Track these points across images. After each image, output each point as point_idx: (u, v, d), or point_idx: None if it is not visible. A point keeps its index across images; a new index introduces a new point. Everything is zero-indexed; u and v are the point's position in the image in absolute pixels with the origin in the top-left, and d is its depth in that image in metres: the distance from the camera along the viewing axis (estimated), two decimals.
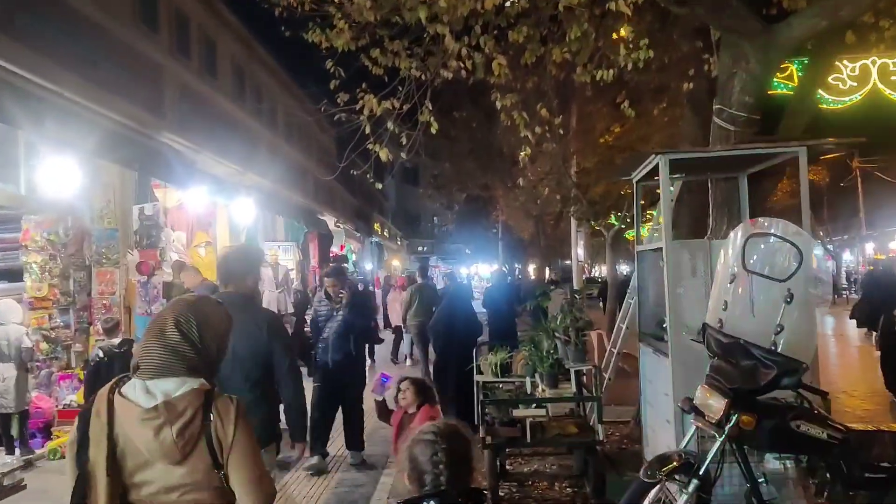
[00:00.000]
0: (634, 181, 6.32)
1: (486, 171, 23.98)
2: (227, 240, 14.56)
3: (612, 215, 14.38)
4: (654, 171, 5.77)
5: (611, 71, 8.24)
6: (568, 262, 34.40)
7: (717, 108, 6.13)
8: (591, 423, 6.43)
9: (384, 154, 7.88)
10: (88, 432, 2.23)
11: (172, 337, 2.30)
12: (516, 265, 43.37)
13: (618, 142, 13.66)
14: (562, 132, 11.46)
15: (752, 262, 4.05)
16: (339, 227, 24.15)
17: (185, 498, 2.26)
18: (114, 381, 2.32)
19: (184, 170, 10.60)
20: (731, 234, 4.26)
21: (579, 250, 18.08)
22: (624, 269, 48.67)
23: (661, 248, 5.20)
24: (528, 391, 6.59)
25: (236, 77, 14.57)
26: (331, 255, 24.25)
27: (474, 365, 7.32)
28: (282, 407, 4.24)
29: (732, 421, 3.93)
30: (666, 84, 8.87)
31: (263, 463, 2.41)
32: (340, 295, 7.46)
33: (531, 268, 50.76)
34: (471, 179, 24.69)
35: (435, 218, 62.65)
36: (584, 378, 6.56)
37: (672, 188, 7.25)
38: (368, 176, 8.41)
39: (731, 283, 4.14)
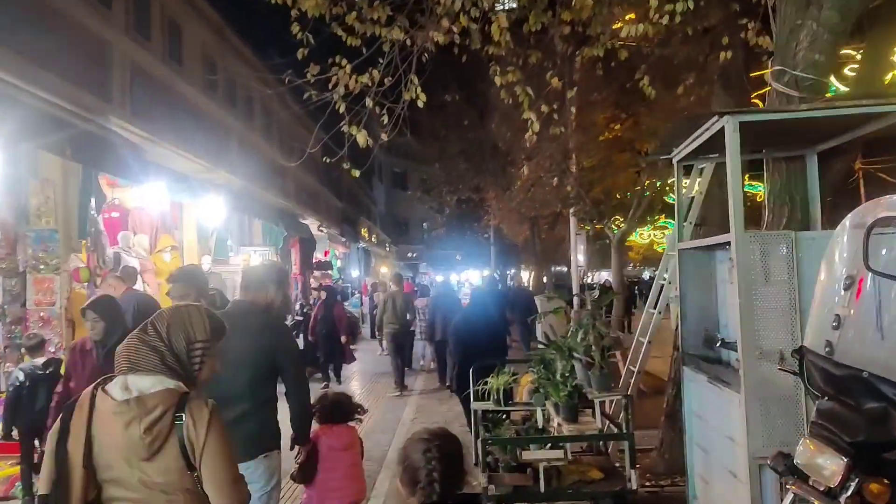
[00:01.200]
0: (675, 161, 5.05)
1: (478, 172, 22.79)
2: (194, 244, 13.26)
3: (616, 218, 13.15)
4: (703, 148, 4.51)
5: (621, 47, 7.09)
6: (562, 267, 33.23)
7: (775, 71, 4.88)
8: (617, 465, 5.17)
9: (362, 138, 6.63)
10: (70, 424, 2.30)
11: (149, 333, 2.40)
12: (508, 271, 42.09)
13: (626, 134, 12.44)
14: (562, 130, 10.27)
15: (880, 260, 2.78)
16: (322, 231, 22.81)
17: (156, 498, 2.29)
18: (103, 378, 2.40)
19: (136, 163, 9.26)
20: (842, 224, 3.00)
21: (579, 255, 16.81)
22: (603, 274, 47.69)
23: (719, 245, 3.95)
24: (540, 425, 5.32)
25: (205, 63, 13.25)
26: (314, 261, 22.93)
27: (471, 390, 6.09)
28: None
29: (852, 489, 2.69)
30: (693, 58, 7.63)
31: (237, 467, 2.41)
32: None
33: (524, 274, 49.58)
34: (462, 181, 23.45)
35: (424, 224, 61.41)
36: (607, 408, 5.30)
37: (699, 179, 6.01)
38: (345, 165, 7.17)
39: (845, 289, 2.89)
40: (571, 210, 13.24)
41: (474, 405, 5.96)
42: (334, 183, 29.33)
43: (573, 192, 12.98)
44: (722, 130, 3.91)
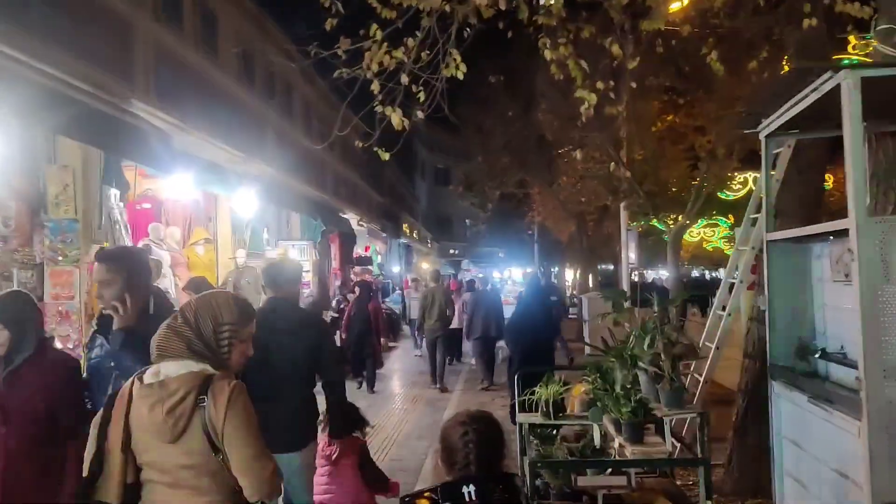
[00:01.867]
0: (763, 136, 4.28)
1: (521, 166, 22.00)
2: (228, 237, 12.77)
3: (670, 214, 12.28)
4: (794, 123, 3.74)
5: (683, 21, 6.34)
6: (608, 265, 32.13)
7: (882, 31, 4.09)
8: (686, 493, 4.44)
9: (397, 118, 5.99)
10: (112, 411, 2.41)
11: (176, 319, 2.46)
12: (552, 268, 41.17)
13: (681, 121, 11.60)
14: (618, 110, 9.46)
15: None
16: (362, 226, 22.29)
17: (185, 480, 2.33)
18: (143, 369, 2.47)
19: (164, 151, 8.75)
20: None
21: (630, 252, 15.94)
22: (663, 273, 46.19)
23: (816, 237, 3.19)
24: (598, 444, 4.60)
25: (240, 48, 12.76)
26: (354, 255, 22.44)
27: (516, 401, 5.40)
28: None
29: None
30: (765, 31, 6.81)
31: (261, 444, 2.38)
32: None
33: (569, 273, 48.58)
34: (505, 175, 22.69)
35: (467, 220, 60.75)
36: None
37: (776, 166, 5.22)
38: (376, 149, 6.54)
39: None
40: (623, 203, 12.42)
41: (519, 417, 5.27)
42: (375, 178, 28.84)
43: (625, 183, 12.17)
44: (830, 95, 3.15)
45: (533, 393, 5.13)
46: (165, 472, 2.35)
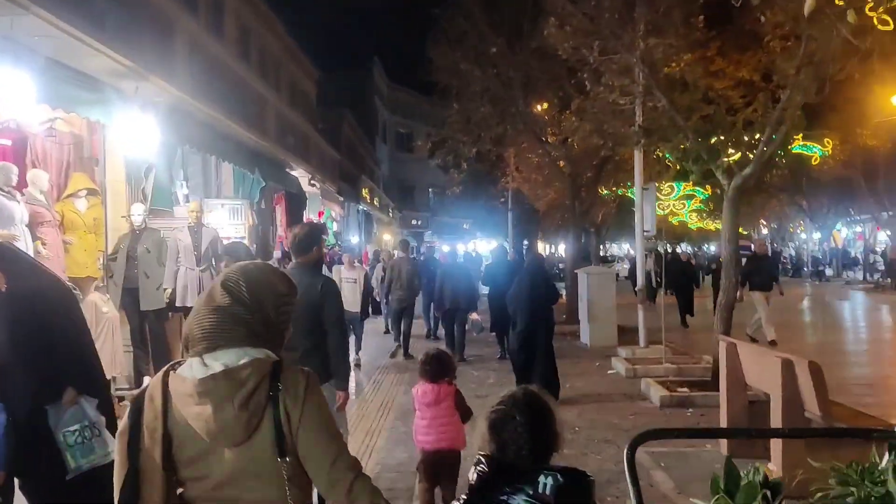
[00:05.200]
0: None
1: (503, 117, 18.70)
2: (122, 188, 9.25)
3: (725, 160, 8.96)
4: None
5: None
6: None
7: None
8: None
9: None
10: (140, 421, 1.97)
11: (223, 300, 2.01)
12: (524, 242, 37.98)
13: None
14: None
15: None
16: (314, 185, 18.76)
17: (250, 493, 1.95)
18: (169, 364, 2.07)
19: None
20: None
21: (646, 218, 12.75)
22: (684, 247, 43.01)
23: None
24: None
25: None
26: (305, 221, 18.96)
27: None
28: None
29: None
30: None
31: (343, 442, 2.10)
32: None
33: (543, 246, 45.47)
34: (484, 129, 19.30)
35: (431, 189, 57.48)
36: None
37: None
38: None
39: None
40: (658, 148, 9.21)
41: None
42: (332, 133, 25.26)
43: (664, 118, 8.96)
44: None
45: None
46: (222, 485, 1.95)
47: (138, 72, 8.07)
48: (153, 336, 8.83)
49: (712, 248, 49.90)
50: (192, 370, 1.96)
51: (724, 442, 6.70)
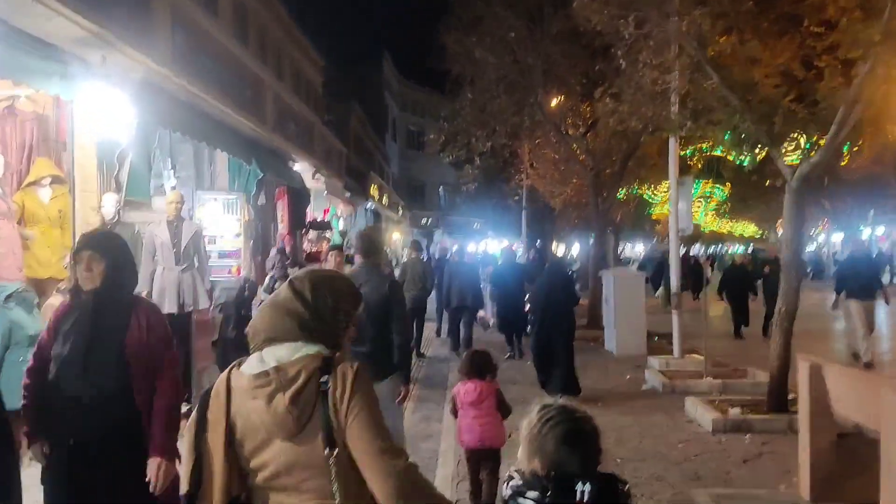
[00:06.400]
0: None
1: (520, 108, 17.49)
2: (93, 176, 8.08)
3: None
4: None
5: None
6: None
7: None
8: None
9: None
10: (206, 415, 2.12)
11: (286, 295, 2.18)
12: (537, 242, 36.55)
13: None
14: None
15: None
16: (318, 180, 17.58)
17: (305, 483, 2.04)
18: (234, 362, 2.21)
19: None
20: None
21: (681, 214, 11.53)
22: (736, 248, 41.04)
23: None
24: None
25: None
26: (308, 218, 17.82)
27: None
28: None
29: None
30: None
31: (390, 435, 2.12)
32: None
33: (571, 247, 43.95)
34: (499, 121, 18.08)
35: (441, 188, 56.26)
36: None
37: None
38: None
39: None
40: (710, 130, 7.96)
41: None
42: (339, 125, 24.09)
43: (714, 97, 7.74)
44: None
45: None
46: (280, 475, 2.05)
47: (106, 39, 6.91)
48: None
49: (728, 250, 48.54)
50: (249, 366, 2.09)
51: (804, 480, 5.50)
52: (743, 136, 7.70)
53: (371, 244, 5.36)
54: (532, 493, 2.16)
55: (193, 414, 2.14)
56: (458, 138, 20.08)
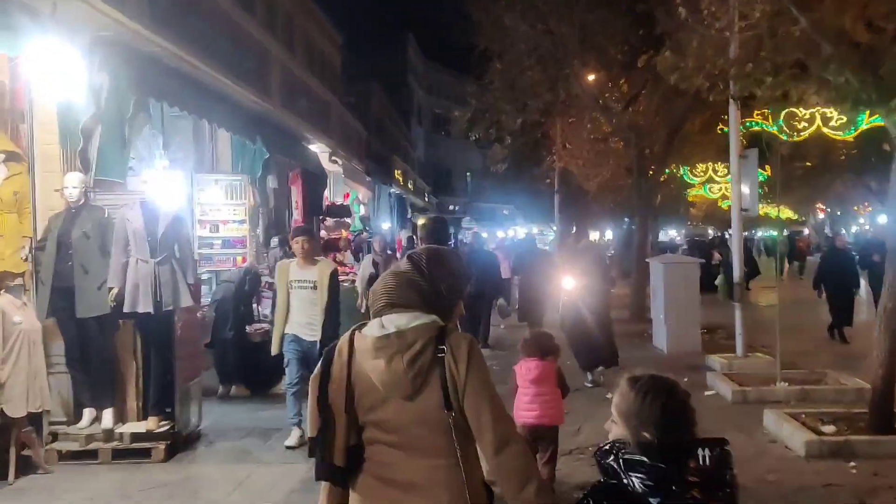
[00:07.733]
0: None
1: (553, 84, 16.03)
2: (55, 153, 6.81)
3: None
4: None
5: None
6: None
7: None
8: None
9: None
10: (330, 370, 2.27)
11: (405, 267, 2.30)
12: (571, 229, 34.92)
13: None
14: None
15: None
16: (336, 162, 16.27)
17: (418, 440, 2.19)
18: (356, 325, 2.34)
19: None
20: None
21: (745, 189, 10.03)
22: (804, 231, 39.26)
23: None
24: None
25: None
26: (325, 203, 16.55)
27: None
28: None
29: None
30: None
31: (502, 402, 2.25)
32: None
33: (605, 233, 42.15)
34: (531, 97, 16.63)
35: (468, 174, 54.84)
36: None
37: None
38: None
39: None
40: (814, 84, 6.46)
41: None
42: (360, 107, 22.78)
43: (801, 46, 6.26)
44: None
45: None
46: (394, 431, 2.20)
47: None
48: (95, 353, 6.42)
49: (758, 234, 46.40)
50: (371, 329, 2.23)
51: None
52: (836, 93, 6.21)
53: (443, 231, 5.63)
54: (648, 461, 2.12)
55: (318, 366, 2.29)
56: (486, 116, 18.66)
